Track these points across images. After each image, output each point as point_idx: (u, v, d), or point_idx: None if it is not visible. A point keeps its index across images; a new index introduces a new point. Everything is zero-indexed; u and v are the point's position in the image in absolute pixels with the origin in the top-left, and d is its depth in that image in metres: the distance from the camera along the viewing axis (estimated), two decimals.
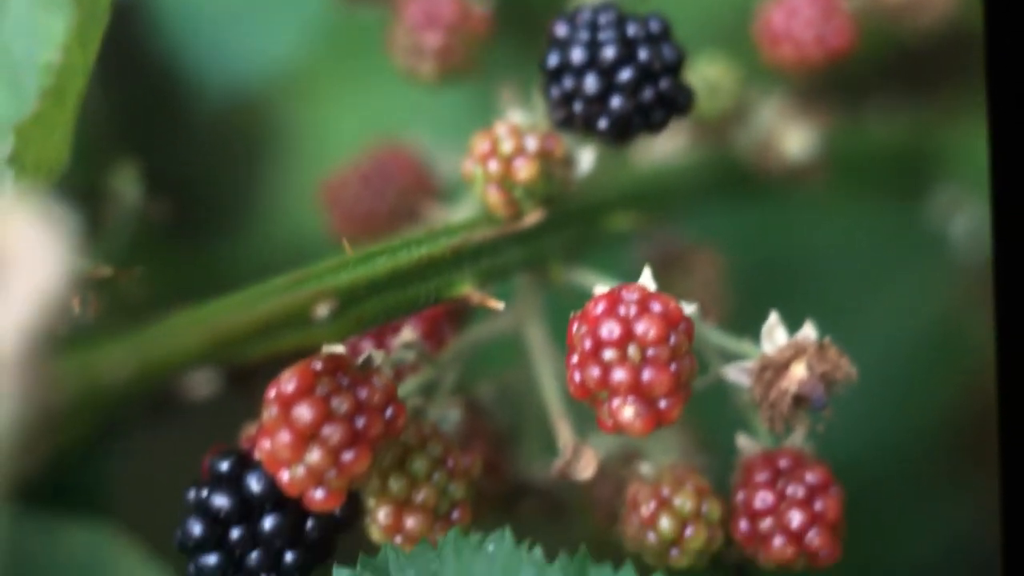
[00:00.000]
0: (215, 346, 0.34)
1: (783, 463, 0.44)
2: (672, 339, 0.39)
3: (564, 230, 0.48)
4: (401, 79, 0.57)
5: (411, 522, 0.42)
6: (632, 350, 0.39)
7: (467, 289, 0.43)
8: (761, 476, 0.44)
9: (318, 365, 0.40)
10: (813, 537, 0.42)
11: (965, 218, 0.67)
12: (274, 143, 0.70)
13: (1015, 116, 0.42)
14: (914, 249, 0.73)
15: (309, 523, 0.42)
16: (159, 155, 0.53)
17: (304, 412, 0.39)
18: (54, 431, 0.29)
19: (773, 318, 0.43)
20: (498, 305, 0.43)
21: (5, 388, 0.28)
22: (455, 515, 0.43)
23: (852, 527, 0.44)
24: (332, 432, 0.39)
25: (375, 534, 0.43)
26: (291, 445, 0.39)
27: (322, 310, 0.37)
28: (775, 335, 0.43)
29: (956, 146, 0.67)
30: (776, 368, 0.43)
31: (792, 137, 0.55)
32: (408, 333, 0.46)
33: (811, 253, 0.69)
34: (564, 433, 0.46)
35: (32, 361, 0.28)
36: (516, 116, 0.47)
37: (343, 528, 0.43)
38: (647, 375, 0.39)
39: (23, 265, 0.28)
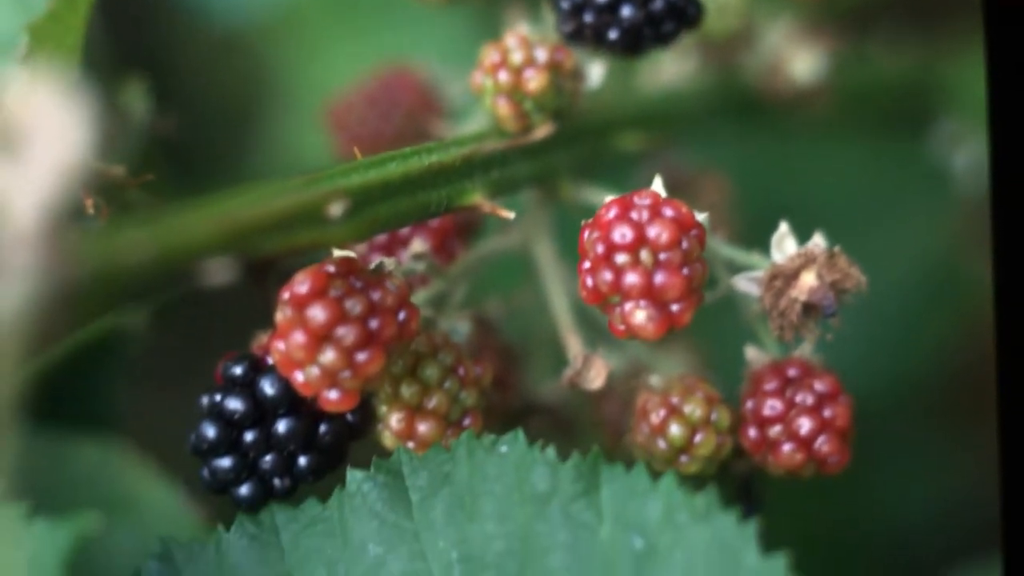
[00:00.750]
0: (231, 236, 0.34)
1: (792, 372, 0.44)
2: (684, 244, 0.40)
3: (573, 147, 0.48)
4: (407, 8, 0.57)
5: (423, 428, 0.43)
6: (644, 254, 0.40)
7: (477, 198, 0.43)
8: (770, 385, 0.44)
9: (331, 268, 0.40)
10: (822, 443, 0.43)
11: (967, 152, 0.68)
12: (277, 72, 0.69)
13: (1012, 50, 0.42)
14: (916, 183, 0.73)
15: (322, 428, 0.42)
16: (160, 82, 0.53)
17: (318, 313, 0.39)
18: (73, 309, 0.29)
19: (783, 228, 0.44)
20: (508, 214, 0.44)
21: (24, 262, 0.28)
22: (466, 422, 0.43)
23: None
24: (346, 333, 0.39)
25: (387, 440, 0.43)
26: (305, 345, 0.39)
27: (335, 209, 0.37)
28: (785, 244, 0.43)
29: (959, 79, 0.67)
30: (786, 277, 0.43)
31: (799, 60, 0.55)
32: (418, 244, 0.46)
33: (812, 186, 0.69)
34: (574, 344, 0.46)
35: (51, 235, 0.28)
36: (525, 29, 0.47)
37: (355, 434, 0.44)
38: (659, 279, 0.39)
39: (43, 140, 0.28)
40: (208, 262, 0.32)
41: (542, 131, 0.46)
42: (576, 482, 0.39)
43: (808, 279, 0.43)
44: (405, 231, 0.47)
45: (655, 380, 0.45)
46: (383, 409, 0.43)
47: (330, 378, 0.39)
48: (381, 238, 0.46)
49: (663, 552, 0.37)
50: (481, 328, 0.48)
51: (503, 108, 0.45)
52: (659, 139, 0.52)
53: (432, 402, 0.43)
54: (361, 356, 0.39)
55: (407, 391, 0.43)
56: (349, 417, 0.43)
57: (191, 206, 0.33)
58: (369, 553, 0.40)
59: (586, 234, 0.41)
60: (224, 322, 0.49)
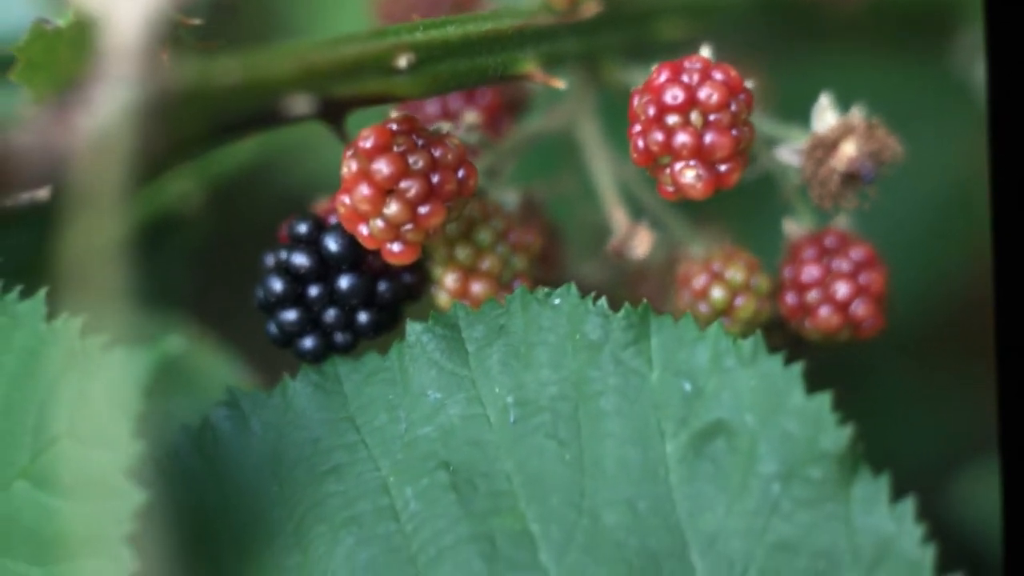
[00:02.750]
0: (309, 77, 0.36)
1: (829, 242, 0.46)
2: (733, 106, 0.41)
3: (617, 29, 0.49)
4: None
5: (477, 287, 0.45)
6: (695, 115, 0.41)
7: (530, 68, 0.45)
8: (808, 253, 0.46)
9: (394, 125, 0.42)
10: (858, 307, 0.45)
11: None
12: None
13: (1013, 40, 0.42)
14: (936, 101, 0.74)
15: (381, 286, 0.44)
16: None
17: (383, 166, 0.41)
18: (170, 124, 0.31)
19: (824, 100, 0.45)
20: (560, 83, 0.45)
21: (127, 71, 0.29)
22: (516, 284, 0.45)
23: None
24: (409, 186, 0.41)
25: (442, 300, 0.45)
26: (370, 198, 0.41)
27: (402, 61, 0.39)
28: (825, 116, 0.45)
29: None
30: (826, 146, 0.45)
31: None
32: (471, 116, 0.48)
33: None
34: (619, 216, 0.48)
35: (151, 48, 0.30)
36: None
37: (411, 294, 0.45)
38: (709, 138, 0.41)
39: None
40: (290, 97, 0.34)
41: (589, 9, 0.47)
42: (627, 331, 0.41)
43: (848, 148, 0.44)
44: (456, 106, 0.49)
45: (696, 250, 0.47)
46: (438, 271, 0.45)
47: (393, 231, 0.41)
48: (435, 110, 0.48)
49: (710, 394, 0.39)
50: (526, 205, 0.50)
51: None
52: (698, 28, 0.54)
53: (485, 264, 0.45)
54: (423, 209, 0.41)
55: (462, 253, 0.45)
56: (406, 278, 0.45)
57: (272, 47, 0.35)
58: (428, 398, 0.42)
59: (636, 99, 0.43)
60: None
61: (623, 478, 0.39)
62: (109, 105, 0.29)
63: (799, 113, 0.47)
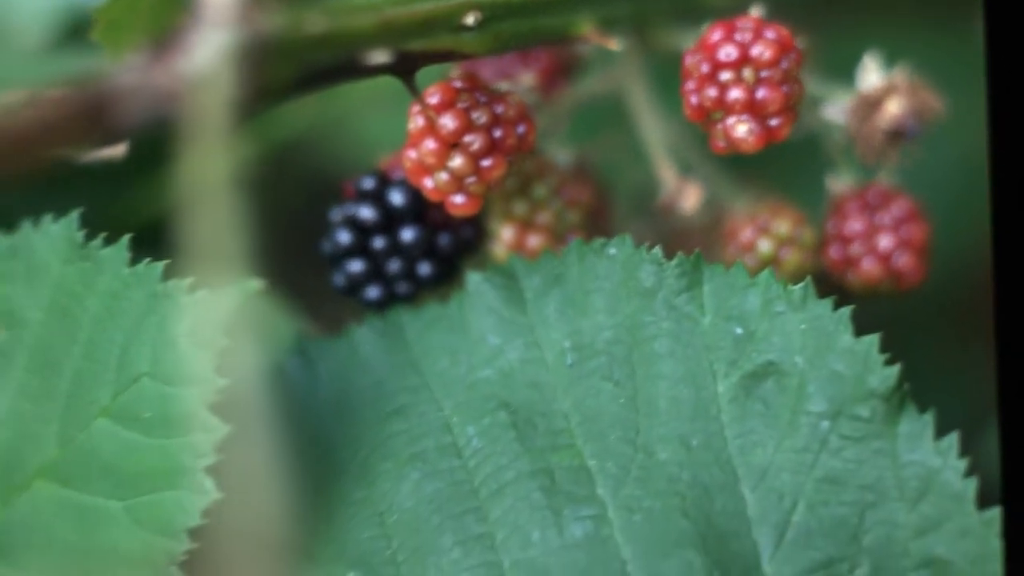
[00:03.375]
0: (385, 31, 0.37)
1: (872, 197, 0.48)
2: (784, 63, 0.43)
3: None
4: None
5: (533, 240, 0.47)
6: (747, 72, 0.43)
7: (587, 29, 0.47)
8: (851, 207, 0.48)
9: (458, 83, 0.44)
10: (900, 258, 0.47)
11: None
12: None
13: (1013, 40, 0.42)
14: (968, 75, 0.76)
15: (442, 239, 0.46)
16: None
17: (448, 121, 0.42)
18: (265, 69, 0.32)
19: (869, 59, 0.47)
20: (615, 44, 0.47)
21: (227, 14, 0.31)
22: (570, 238, 0.47)
23: None
24: (473, 140, 0.43)
25: (499, 253, 0.47)
26: (436, 152, 0.43)
27: (470, 19, 0.41)
28: (870, 75, 0.47)
29: None
30: (871, 104, 0.46)
31: None
32: (527, 78, 0.49)
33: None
34: (667, 173, 0.50)
35: None
36: None
37: (469, 247, 0.47)
38: (761, 94, 0.43)
39: None
40: (369, 50, 0.36)
41: None
42: (680, 278, 0.43)
43: (892, 106, 0.46)
44: (511, 67, 0.50)
45: (742, 205, 0.49)
46: (495, 225, 0.47)
47: (457, 183, 0.43)
48: (491, 71, 0.50)
49: (761, 337, 0.41)
50: (579, 163, 0.52)
51: None
52: None
53: (541, 218, 0.47)
54: (486, 162, 0.43)
55: (519, 207, 0.47)
56: (464, 231, 0.47)
57: (351, 4, 0.37)
58: (488, 343, 0.44)
59: (689, 58, 0.44)
60: None
61: (676, 416, 0.41)
62: (207, 50, 0.31)
63: (840, 74, 0.49)
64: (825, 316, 0.41)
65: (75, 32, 0.56)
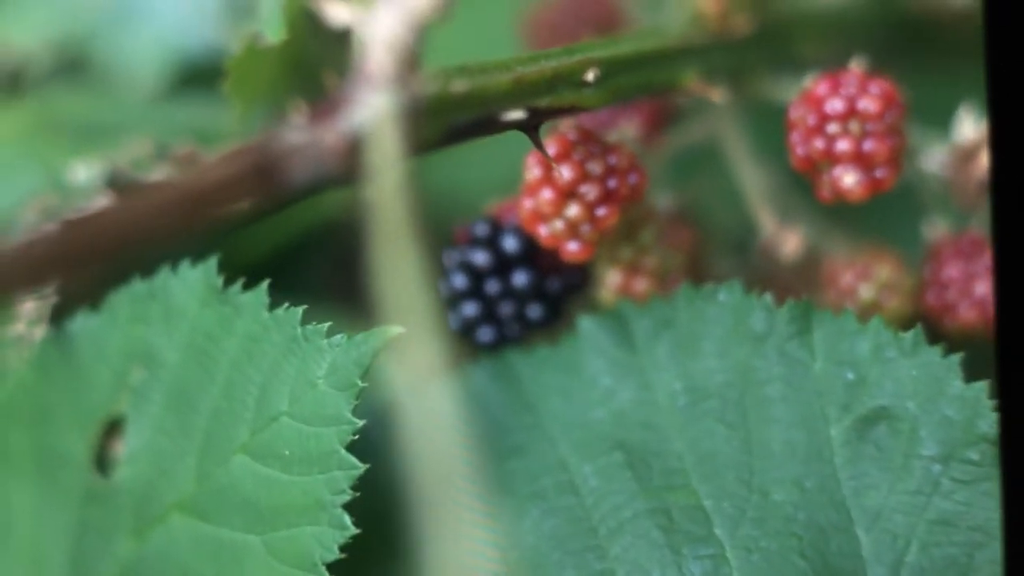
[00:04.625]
0: (517, 88, 0.39)
1: (966, 244, 0.49)
2: (888, 117, 0.45)
3: (763, 47, 0.53)
4: None
5: (640, 284, 0.48)
6: (854, 125, 0.45)
7: (692, 80, 0.48)
8: (947, 253, 0.49)
9: (572, 135, 0.45)
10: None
11: None
12: None
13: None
14: None
15: (551, 283, 0.48)
16: None
17: (565, 172, 0.44)
18: (421, 126, 0.34)
19: (964, 111, 0.49)
20: (717, 95, 0.49)
21: (395, 74, 0.33)
22: (674, 281, 0.49)
23: None
24: (588, 190, 0.44)
25: (606, 297, 0.48)
26: (553, 201, 0.44)
27: (590, 75, 0.43)
28: (964, 125, 0.48)
29: None
30: (967, 154, 0.48)
31: None
32: (630, 127, 0.51)
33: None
34: (766, 217, 0.51)
35: (409, 60, 0.34)
36: None
37: (578, 290, 0.49)
38: (868, 146, 0.44)
39: None
40: (505, 107, 0.38)
41: (741, 27, 0.51)
42: (790, 324, 0.44)
43: (986, 157, 0.47)
44: (614, 119, 0.52)
45: (841, 250, 0.51)
46: (602, 269, 0.49)
47: (572, 231, 0.45)
48: (595, 122, 0.52)
49: (873, 382, 0.42)
50: (678, 209, 0.54)
51: (707, 3, 0.50)
52: (833, 48, 0.57)
53: (647, 262, 0.48)
54: (600, 211, 0.45)
55: (625, 252, 0.48)
56: (573, 276, 0.49)
57: (488, 63, 0.39)
58: (600, 384, 0.45)
59: (794, 111, 0.46)
60: None
61: (790, 459, 0.42)
62: (371, 110, 0.33)
63: (936, 123, 0.51)
64: (935, 362, 0.42)
65: (188, 80, 0.58)
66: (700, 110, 0.54)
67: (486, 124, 0.38)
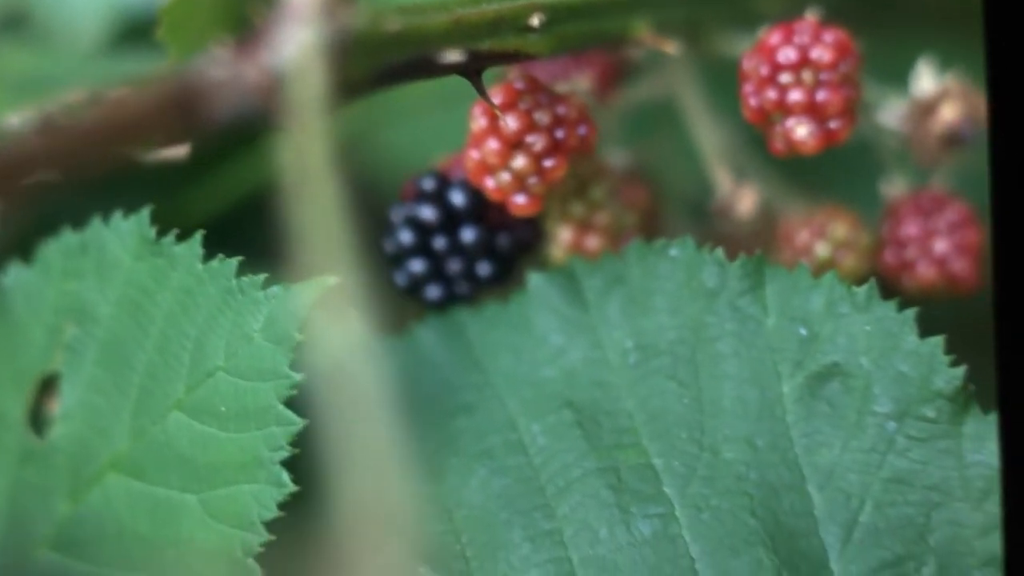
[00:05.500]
0: (456, 30, 0.38)
1: (926, 201, 0.48)
2: (843, 67, 0.44)
3: (720, 1, 0.52)
4: None
5: (591, 241, 0.47)
6: (807, 74, 0.43)
7: (644, 31, 0.47)
8: (906, 211, 0.48)
9: (519, 84, 0.44)
10: (955, 263, 0.47)
11: None
12: None
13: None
14: None
15: (501, 239, 0.47)
16: None
17: (511, 121, 0.43)
18: (348, 64, 0.33)
19: (923, 65, 0.48)
20: (671, 47, 0.47)
21: (307, 15, 0.32)
22: (627, 239, 0.47)
23: None
24: (535, 140, 0.43)
25: (556, 254, 0.47)
26: (499, 152, 0.43)
27: (535, 20, 0.41)
28: (923, 80, 0.47)
29: None
30: (926, 109, 0.47)
31: None
32: (582, 81, 0.50)
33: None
34: (723, 176, 0.50)
35: None
36: None
37: (528, 247, 0.48)
38: (821, 96, 0.43)
39: None
40: (442, 49, 0.37)
41: None
42: (742, 279, 0.43)
43: (946, 111, 0.46)
44: (566, 71, 0.51)
45: (797, 208, 0.49)
46: (553, 226, 0.47)
47: (519, 183, 0.44)
48: (546, 74, 0.50)
49: (826, 338, 0.41)
50: (632, 167, 0.53)
51: None
52: (790, 3, 0.56)
53: (599, 219, 0.47)
54: (548, 162, 0.43)
55: (576, 208, 0.47)
56: (523, 232, 0.48)
57: (425, 4, 0.38)
58: (551, 342, 0.44)
59: (747, 61, 0.45)
60: None
61: (741, 416, 0.41)
62: (295, 45, 0.31)
63: (894, 80, 0.50)
64: (890, 318, 0.41)
65: (129, 34, 0.56)
66: (655, 66, 0.53)
67: (422, 66, 0.37)
